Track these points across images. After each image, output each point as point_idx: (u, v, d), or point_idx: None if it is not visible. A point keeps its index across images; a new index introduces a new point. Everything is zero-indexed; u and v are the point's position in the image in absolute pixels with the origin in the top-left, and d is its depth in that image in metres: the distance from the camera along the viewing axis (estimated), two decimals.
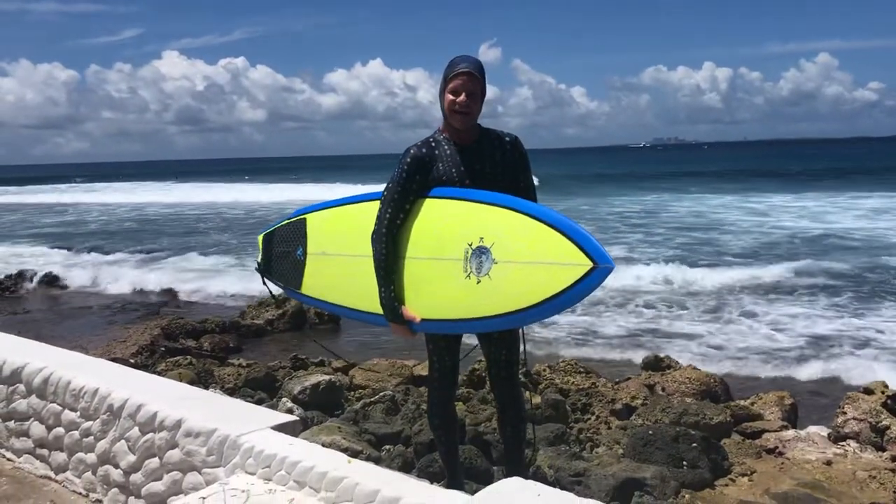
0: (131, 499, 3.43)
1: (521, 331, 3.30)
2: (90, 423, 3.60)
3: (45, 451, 3.89)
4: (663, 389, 8.75)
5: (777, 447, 6.44)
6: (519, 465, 3.50)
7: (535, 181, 3.35)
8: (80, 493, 3.68)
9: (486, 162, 3.10)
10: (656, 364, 9.74)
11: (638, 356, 10.10)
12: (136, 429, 3.33)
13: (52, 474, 3.86)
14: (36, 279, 18.00)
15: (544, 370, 9.30)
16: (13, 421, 4.05)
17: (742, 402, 7.79)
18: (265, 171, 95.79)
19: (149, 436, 3.31)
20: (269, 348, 11.26)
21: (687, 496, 5.05)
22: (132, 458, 3.37)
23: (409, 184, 3.09)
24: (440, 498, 2.44)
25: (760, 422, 7.16)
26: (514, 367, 3.36)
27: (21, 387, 3.99)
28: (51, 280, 17.96)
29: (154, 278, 17.34)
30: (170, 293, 16.32)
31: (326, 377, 7.29)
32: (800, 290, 13.54)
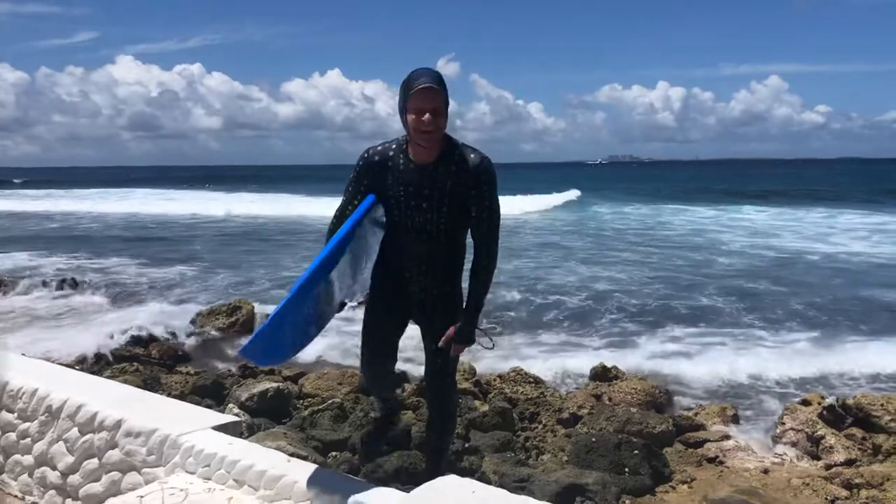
0: (68, 501, 3.41)
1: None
2: (28, 424, 3.56)
3: None
4: (610, 399, 8.89)
5: (717, 456, 6.61)
6: (434, 473, 3.53)
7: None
8: (16, 496, 3.64)
9: (435, 188, 2.95)
10: (604, 374, 9.90)
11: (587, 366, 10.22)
12: (76, 429, 3.31)
13: None
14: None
15: (494, 380, 9.38)
16: None
17: (685, 413, 7.96)
18: (223, 180, 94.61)
19: (88, 436, 3.29)
20: (219, 356, 11.14)
21: (627, 502, 5.15)
22: (70, 459, 3.35)
23: (358, 183, 3.09)
24: (375, 495, 2.48)
25: (702, 432, 7.33)
26: (445, 377, 3.30)
27: None
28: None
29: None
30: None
31: (275, 384, 7.27)
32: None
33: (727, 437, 7.23)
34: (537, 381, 9.85)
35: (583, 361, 10.24)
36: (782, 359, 10.01)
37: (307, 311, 2.94)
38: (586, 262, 19.90)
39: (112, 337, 11.79)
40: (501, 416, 6.60)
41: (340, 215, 3.14)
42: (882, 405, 7.45)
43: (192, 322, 13.16)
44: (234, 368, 9.63)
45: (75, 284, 18.44)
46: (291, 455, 4.67)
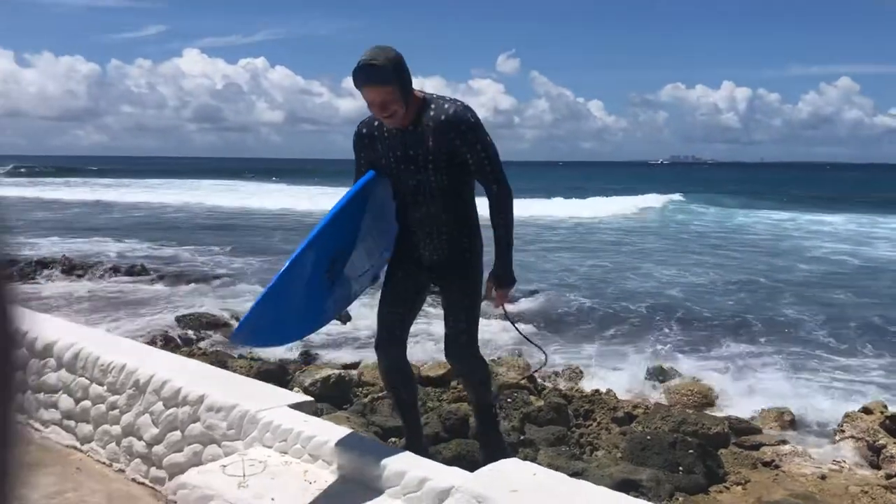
0: (152, 469, 3.65)
1: (464, 305, 3.15)
2: (116, 396, 3.82)
3: (71, 423, 4.12)
4: (666, 400, 8.91)
5: (773, 460, 6.59)
6: (485, 431, 3.47)
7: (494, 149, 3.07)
8: (104, 463, 3.90)
9: (418, 148, 2.95)
10: (661, 374, 9.91)
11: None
12: (161, 403, 3.55)
13: (77, 444, 4.08)
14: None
15: (551, 376, 9.48)
16: (42, 393, 4.28)
17: (742, 416, 7.93)
18: (288, 173, 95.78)
19: (172, 410, 3.53)
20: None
21: (681, 499, 5.22)
22: (155, 430, 3.59)
23: (356, 154, 3.17)
24: (444, 473, 2.64)
25: (759, 435, 7.31)
26: (464, 346, 3.17)
27: (52, 361, 4.22)
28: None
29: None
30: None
31: (336, 371, 7.51)
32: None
33: (784, 441, 7.20)
34: (592, 378, 9.93)
35: (642, 363, 10.28)
36: (848, 368, 9.88)
37: (306, 289, 2.91)
38: (663, 264, 19.85)
39: (179, 321, 12.32)
40: (556, 412, 6.70)
41: (354, 181, 3.22)
42: None
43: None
44: (296, 355, 9.95)
45: (145, 270, 19.13)
46: None
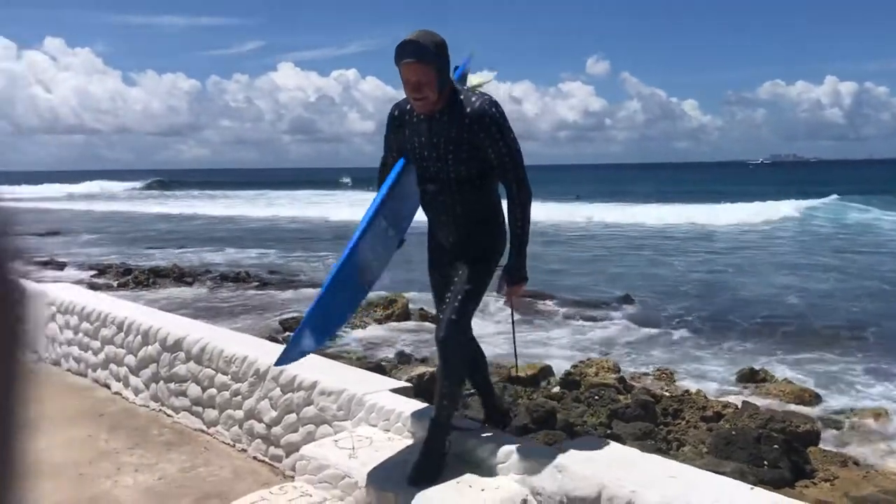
0: (271, 448, 4.12)
1: (462, 292, 3.03)
2: (239, 384, 4.32)
3: (199, 409, 4.64)
4: (756, 400, 8.93)
5: (865, 458, 6.61)
6: (434, 420, 3.10)
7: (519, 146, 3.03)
8: (228, 444, 4.40)
9: (442, 135, 2.96)
10: (751, 377, 9.91)
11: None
12: (278, 389, 4.01)
13: (204, 427, 4.61)
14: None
15: (639, 377, 9.64)
16: (173, 383, 4.84)
17: (834, 417, 7.92)
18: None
19: (288, 395, 3.98)
20: (377, 344, 12.01)
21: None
22: (273, 413, 4.06)
23: (388, 136, 3.24)
24: (535, 449, 2.98)
25: (851, 433, 7.31)
26: (444, 320, 3.01)
27: (181, 354, 4.76)
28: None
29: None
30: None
31: (430, 369, 7.91)
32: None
33: (879, 440, 7.18)
34: (682, 381, 10.02)
35: (735, 366, 10.32)
36: None
37: (344, 292, 3.15)
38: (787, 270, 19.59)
39: (283, 324, 13.06)
40: (644, 409, 6.90)
41: (382, 164, 3.33)
42: None
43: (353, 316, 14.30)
44: (391, 355, 10.46)
45: (249, 277, 20.11)
46: None
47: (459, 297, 3.01)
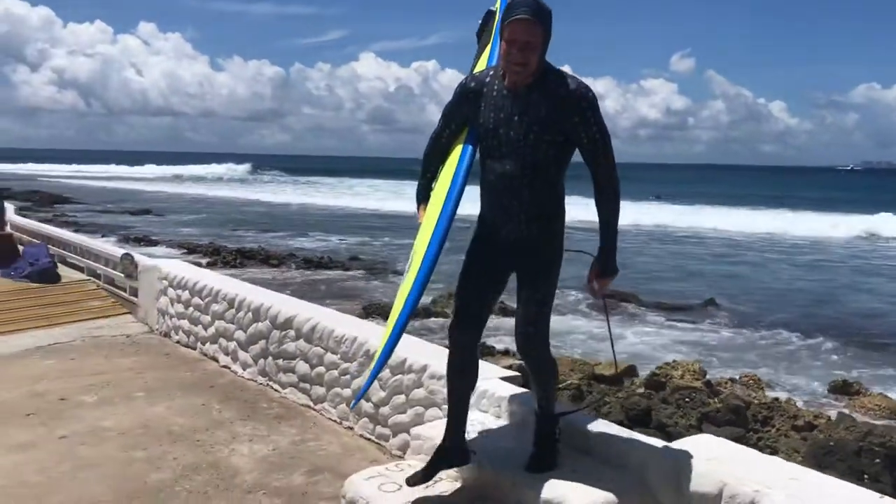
0: (378, 427, 4.26)
1: (541, 292, 2.90)
2: (348, 364, 4.47)
3: (306, 385, 4.83)
4: (850, 413, 8.71)
5: None
6: (539, 434, 3.08)
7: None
8: (335, 421, 4.57)
9: (526, 113, 2.76)
10: (844, 388, 9.65)
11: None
12: (388, 370, 4.14)
13: (311, 404, 4.79)
14: None
15: (726, 382, 9.49)
16: (282, 359, 5.03)
17: None
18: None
19: (398, 377, 4.10)
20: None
21: None
22: (382, 394, 4.19)
23: (454, 108, 2.99)
24: (643, 439, 3.02)
25: None
26: (523, 333, 2.90)
27: (291, 332, 4.95)
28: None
29: None
30: None
31: (517, 362, 7.98)
32: None
33: None
34: (771, 388, 9.81)
35: (826, 376, 10.07)
36: None
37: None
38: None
39: (364, 310, 13.35)
40: (735, 413, 6.83)
41: (434, 137, 3.10)
42: None
43: (433, 302, 14.54)
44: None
45: (332, 263, 20.54)
46: None
47: (535, 304, 2.86)
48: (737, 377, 9.89)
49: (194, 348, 6.06)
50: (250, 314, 5.35)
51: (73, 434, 4.28)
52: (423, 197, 3.18)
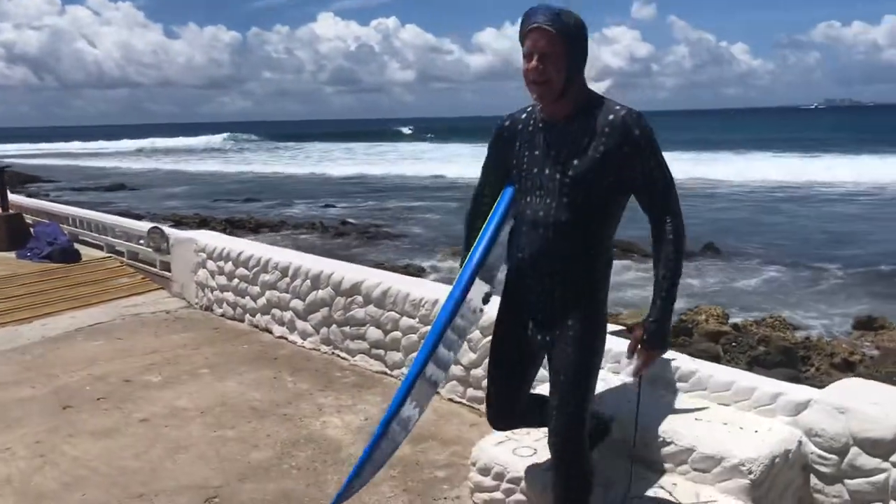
0: (469, 389, 4.14)
1: (584, 378, 2.37)
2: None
3: (380, 352, 4.68)
4: (878, 348, 8.76)
5: None
6: None
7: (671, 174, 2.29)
8: None
9: (567, 146, 2.28)
10: (868, 324, 9.71)
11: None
12: (478, 332, 4.00)
13: (387, 370, 4.65)
14: None
15: (751, 325, 9.50)
16: (349, 326, 4.88)
17: None
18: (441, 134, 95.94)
19: (489, 338, 3.97)
20: None
21: None
22: (473, 356, 4.06)
23: (491, 156, 2.56)
24: (801, 390, 2.93)
25: None
26: (573, 425, 2.37)
27: (359, 298, 4.79)
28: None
29: None
30: None
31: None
32: None
33: None
34: (796, 328, 9.84)
35: (849, 313, 10.15)
36: None
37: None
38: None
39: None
40: (785, 355, 6.81)
41: (475, 197, 2.65)
42: None
43: (437, 262, 14.57)
44: None
45: (324, 228, 20.30)
46: None
47: (571, 394, 2.33)
48: (761, 318, 9.91)
49: (242, 320, 5.87)
50: (308, 282, 5.17)
51: (152, 416, 4.11)
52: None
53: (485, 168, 2.59)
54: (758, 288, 12.60)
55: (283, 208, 25.74)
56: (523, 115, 2.43)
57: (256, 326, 5.72)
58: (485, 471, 3.08)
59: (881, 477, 2.57)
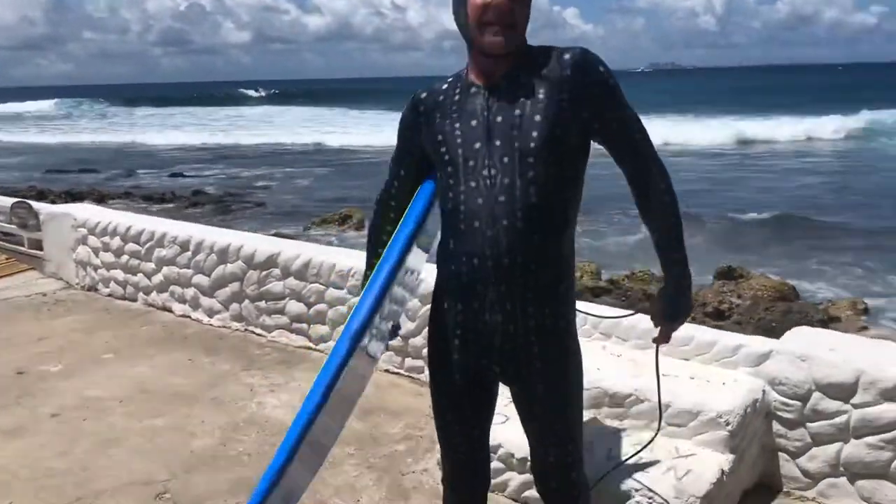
0: (408, 359, 4.05)
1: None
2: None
3: (302, 326, 4.49)
4: (739, 296, 9.41)
5: None
6: None
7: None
8: None
9: (513, 111, 1.72)
10: (729, 273, 10.39)
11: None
12: (417, 301, 3.91)
13: (312, 345, 4.47)
14: None
15: (623, 279, 9.94)
16: (265, 301, 4.63)
17: (819, 307, 8.47)
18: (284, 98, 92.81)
19: (428, 306, 3.89)
20: None
21: None
22: (412, 325, 3.97)
23: (403, 141, 1.95)
24: (757, 340, 3.06)
25: (838, 324, 7.86)
26: (546, 463, 1.92)
27: (276, 271, 4.55)
28: None
29: None
30: None
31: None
32: None
33: (864, 328, 7.78)
34: (658, 282, 10.36)
35: (711, 264, 10.82)
36: None
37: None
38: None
39: None
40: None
41: (382, 199, 2.06)
42: None
43: (305, 229, 14.17)
44: None
45: (174, 198, 19.33)
46: None
47: (560, 427, 1.87)
48: (629, 273, 10.37)
49: (135, 300, 5.45)
50: (214, 256, 4.86)
51: (63, 410, 3.73)
52: None
53: (395, 160, 1.99)
54: (622, 247, 13.16)
55: (127, 179, 24.15)
56: (444, 86, 1.88)
57: (152, 305, 5.33)
58: None
59: (842, 418, 2.74)
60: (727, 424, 2.72)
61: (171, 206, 18.13)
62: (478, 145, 1.74)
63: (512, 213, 1.70)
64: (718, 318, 8.15)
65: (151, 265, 5.27)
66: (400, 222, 1.95)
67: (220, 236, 4.95)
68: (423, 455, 3.23)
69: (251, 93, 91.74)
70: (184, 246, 5.05)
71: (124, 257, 5.45)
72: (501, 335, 1.78)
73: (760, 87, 79.09)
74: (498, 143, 1.72)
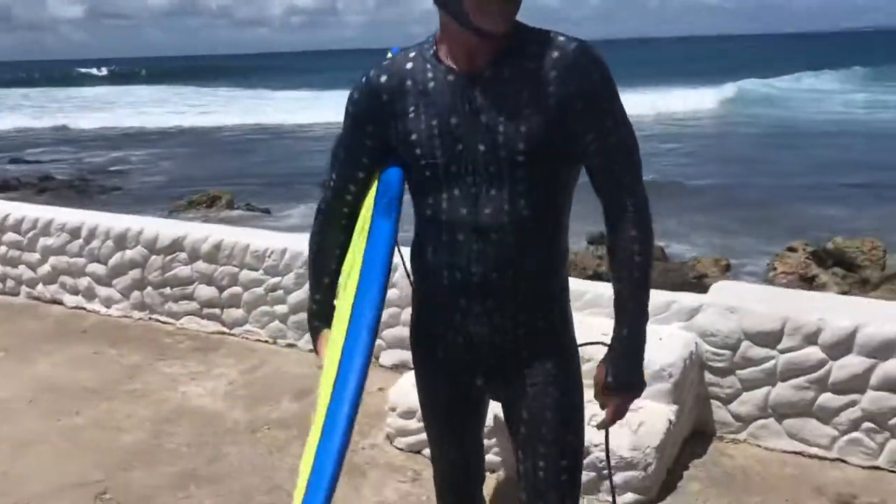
0: None
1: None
2: (278, 278, 4.07)
3: (215, 311, 4.31)
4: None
5: None
6: None
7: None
8: (266, 342, 4.18)
9: (498, 108, 1.44)
10: (602, 239, 10.87)
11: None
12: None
13: (226, 329, 4.31)
14: None
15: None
16: (170, 287, 4.42)
17: (685, 264, 9.02)
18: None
19: (391, 288, 3.84)
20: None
21: None
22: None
23: (358, 137, 1.57)
24: (682, 296, 3.22)
25: (704, 279, 8.41)
26: (544, 487, 1.60)
27: (182, 255, 4.35)
28: None
29: None
30: None
31: None
32: None
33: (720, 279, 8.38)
34: None
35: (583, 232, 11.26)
36: (762, 222, 11.21)
37: None
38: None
39: None
40: None
41: (326, 208, 1.68)
42: (857, 247, 8.63)
43: (171, 213, 13.54)
44: None
45: (20, 185, 18.02)
46: None
47: (557, 449, 1.59)
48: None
49: (17, 294, 5.04)
50: (111, 242, 4.57)
51: None
52: (322, 320, 1.79)
53: (346, 159, 1.61)
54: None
55: None
56: (407, 64, 1.52)
57: (38, 299, 4.95)
58: (408, 414, 3.03)
59: (770, 364, 2.96)
60: (670, 377, 2.87)
61: (15, 193, 16.82)
62: (459, 147, 1.46)
63: (500, 227, 1.46)
64: (599, 280, 8.49)
65: (36, 255, 4.89)
66: (354, 296, 1.51)
67: (117, 221, 4.67)
68: (369, 431, 3.22)
69: (93, 71, 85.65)
70: (74, 233, 4.72)
71: (2, 248, 5.03)
72: (488, 346, 1.56)
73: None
74: (482, 147, 1.45)
